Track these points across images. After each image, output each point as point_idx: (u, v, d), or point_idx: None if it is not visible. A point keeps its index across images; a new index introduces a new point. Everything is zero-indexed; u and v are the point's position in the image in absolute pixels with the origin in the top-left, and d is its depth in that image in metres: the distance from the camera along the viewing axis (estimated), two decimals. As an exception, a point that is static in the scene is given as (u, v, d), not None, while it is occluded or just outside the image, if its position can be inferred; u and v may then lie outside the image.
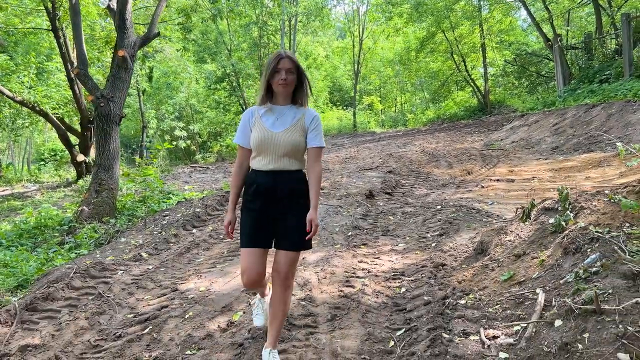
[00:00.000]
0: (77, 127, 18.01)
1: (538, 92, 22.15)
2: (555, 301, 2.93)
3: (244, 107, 24.33)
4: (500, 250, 4.10)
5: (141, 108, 24.12)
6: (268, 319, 3.15)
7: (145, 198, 9.32)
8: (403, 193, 8.58)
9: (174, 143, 23.17)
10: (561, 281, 3.11)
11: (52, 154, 27.07)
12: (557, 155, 10.81)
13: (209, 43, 24.87)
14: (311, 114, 3.00)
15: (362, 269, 4.73)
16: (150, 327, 3.83)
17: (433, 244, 5.26)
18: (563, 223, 3.67)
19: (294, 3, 25.73)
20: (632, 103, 11.35)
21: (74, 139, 18.06)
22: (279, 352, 3.13)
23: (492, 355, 2.71)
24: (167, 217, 8.09)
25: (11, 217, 11.29)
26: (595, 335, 2.45)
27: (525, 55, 24.32)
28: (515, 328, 2.89)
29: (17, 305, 4.24)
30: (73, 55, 15.21)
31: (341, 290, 4.17)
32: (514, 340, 2.78)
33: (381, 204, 7.65)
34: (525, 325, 2.84)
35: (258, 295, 3.47)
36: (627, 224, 3.35)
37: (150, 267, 5.44)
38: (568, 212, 3.80)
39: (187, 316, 3.96)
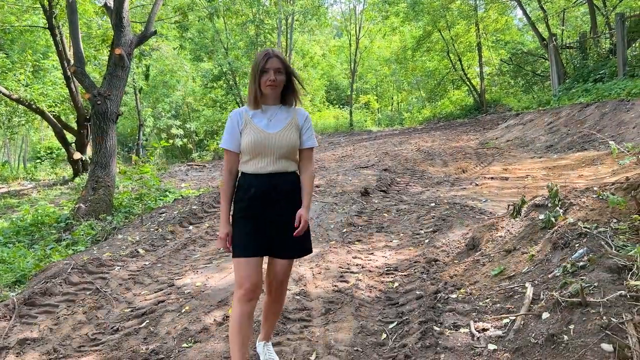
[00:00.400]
0: (74, 125, 17.99)
1: (534, 91, 22.22)
2: (543, 294, 3.00)
3: (240, 106, 24.31)
4: (492, 245, 4.17)
5: (138, 106, 24.14)
6: (262, 316, 3.12)
7: (142, 195, 9.36)
8: (398, 191, 8.65)
9: (171, 141, 23.22)
10: (550, 275, 3.19)
11: (49, 152, 27.04)
12: (551, 153, 10.91)
13: (205, 41, 24.83)
14: (302, 113, 2.90)
15: (356, 265, 4.80)
16: (147, 321, 3.89)
17: (426, 240, 5.33)
18: (553, 219, 3.74)
19: (291, 2, 25.77)
20: (626, 102, 11.45)
21: (70, 137, 18.05)
22: (273, 345, 3.20)
23: (481, 347, 2.78)
24: (163, 214, 8.15)
25: (8, 215, 11.31)
26: (581, 327, 2.52)
27: (521, 55, 24.42)
28: (505, 321, 2.96)
29: (15, 300, 4.29)
30: (70, 53, 15.21)
31: (335, 285, 4.25)
32: (503, 333, 2.85)
33: (376, 202, 7.72)
34: (514, 317, 2.91)
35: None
36: (615, 220, 3.43)
37: (147, 263, 5.50)
38: (558, 208, 3.88)
39: (183, 310, 4.03)
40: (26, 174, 22.70)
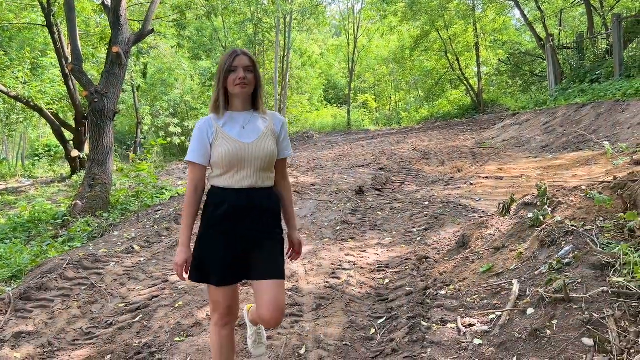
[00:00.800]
0: (72, 122, 18.05)
1: (532, 91, 22.28)
2: (529, 291, 3.06)
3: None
4: (481, 243, 4.23)
5: (136, 104, 24.15)
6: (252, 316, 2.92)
7: (139, 193, 9.42)
8: (393, 189, 8.70)
9: (169, 139, 23.20)
10: (536, 272, 3.25)
11: (47, 149, 27.08)
12: (546, 153, 10.96)
13: (203, 40, 24.92)
14: (279, 119, 2.61)
15: (349, 262, 4.86)
16: (141, 315, 3.94)
17: (418, 238, 5.39)
18: (541, 217, 3.80)
19: (289, 0, 25.80)
20: (621, 103, 11.51)
21: (68, 135, 18.10)
22: (264, 339, 3.24)
23: (467, 342, 2.84)
24: (159, 212, 8.20)
25: (5, 211, 11.35)
26: (563, 322, 2.58)
27: (518, 55, 24.46)
28: (491, 316, 3.02)
29: (11, 295, 4.35)
30: (68, 51, 15.25)
31: (327, 282, 4.30)
32: (489, 328, 2.91)
33: (371, 200, 7.78)
34: (500, 313, 2.97)
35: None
36: (601, 218, 3.49)
37: (142, 259, 5.56)
38: (546, 207, 3.94)
39: (176, 305, 4.08)
40: (24, 171, 22.74)
